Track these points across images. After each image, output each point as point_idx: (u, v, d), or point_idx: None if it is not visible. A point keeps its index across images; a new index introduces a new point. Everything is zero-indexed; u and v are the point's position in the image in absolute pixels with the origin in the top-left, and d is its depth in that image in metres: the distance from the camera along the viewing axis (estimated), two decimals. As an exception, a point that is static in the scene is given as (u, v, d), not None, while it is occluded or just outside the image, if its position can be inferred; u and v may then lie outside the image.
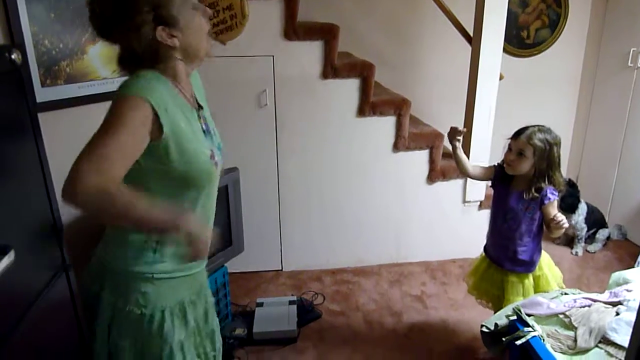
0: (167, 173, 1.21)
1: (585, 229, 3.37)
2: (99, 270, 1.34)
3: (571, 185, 3.29)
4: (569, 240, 3.50)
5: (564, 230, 1.92)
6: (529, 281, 2.09)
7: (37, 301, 1.05)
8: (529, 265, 2.10)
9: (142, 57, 1.19)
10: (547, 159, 1.97)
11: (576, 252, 3.40)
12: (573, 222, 3.33)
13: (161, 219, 1.10)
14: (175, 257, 1.29)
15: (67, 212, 2.26)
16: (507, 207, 2.10)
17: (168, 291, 1.31)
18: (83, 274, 1.39)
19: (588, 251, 3.43)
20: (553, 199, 1.99)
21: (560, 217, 1.88)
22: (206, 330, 1.46)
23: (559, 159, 2.01)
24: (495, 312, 2.26)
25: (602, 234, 3.45)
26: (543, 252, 2.17)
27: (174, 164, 1.19)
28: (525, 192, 2.02)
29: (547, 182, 1.98)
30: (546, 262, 2.17)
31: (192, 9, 1.21)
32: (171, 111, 1.17)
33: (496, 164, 2.20)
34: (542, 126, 2.02)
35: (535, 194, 1.99)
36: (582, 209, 3.33)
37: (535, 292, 2.09)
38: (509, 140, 2.06)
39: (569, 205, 3.27)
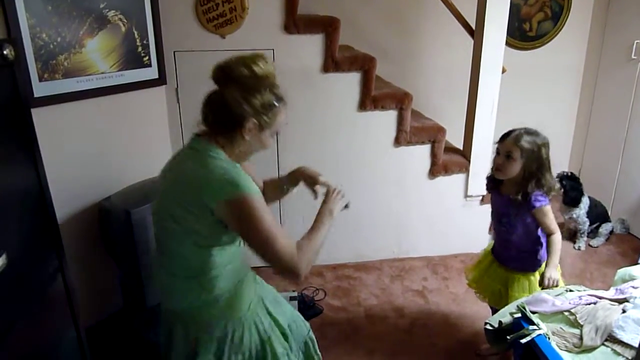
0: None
1: (588, 223, 3.35)
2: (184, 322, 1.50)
3: (573, 179, 3.26)
4: (572, 235, 3.48)
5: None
6: (535, 277, 2.07)
7: (34, 300, 1.03)
8: (534, 265, 2.09)
9: (229, 119, 1.36)
10: (536, 160, 1.93)
11: (579, 247, 3.38)
12: (575, 215, 3.31)
13: (330, 218, 1.55)
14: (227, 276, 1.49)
15: (63, 212, 2.25)
16: (500, 212, 2.10)
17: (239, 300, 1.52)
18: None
19: (591, 245, 3.41)
20: (540, 205, 1.94)
21: (551, 280, 1.85)
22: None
23: (549, 161, 1.97)
24: (491, 307, 2.27)
25: (605, 228, 3.43)
26: None
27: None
28: (512, 196, 1.99)
29: (535, 185, 1.94)
30: None
31: (272, 136, 1.46)
32: None
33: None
34: (529, 128, 1.97)
35: (521, 199, 1.95)
36: (585, 202, 3.30)
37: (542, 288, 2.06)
38: (497, 144, 2.02)
39: (572, 199, 3.24)
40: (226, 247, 1.44)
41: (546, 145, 1.96)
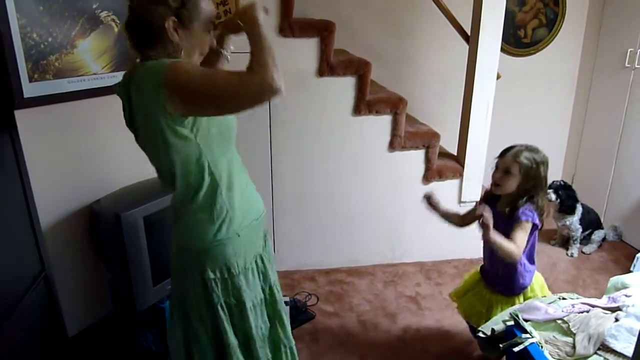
0: (218, 128, 1.36)
1: (581, 230, 3.35)
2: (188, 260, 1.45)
3: (567, 188, 3.28)
4: (565, 242, 3.48)
5: (488, 234, 1.81)
6: (519, 301, 2.03)
7: (18, 306, 1.01)
8: (518, 288, 2.05)
9: (146, 29, 1.29)
10: (533, 178, 1.91)
11: (571, 254, 3.38)
12: (568, 223, 3.31)
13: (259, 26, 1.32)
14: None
15: (54, 214, 2.23)
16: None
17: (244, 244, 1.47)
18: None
19: (583, 252, 3.41)
20: (526, 218, 1.90)
21: (486, 218, 1.77)
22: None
23: (546, 180, 1.96)
24: (470, 326, 2.24)
25: (597, 235, 3.43)
26: (537, 273, 2.11)
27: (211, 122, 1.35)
28: (504, 210, 1.98)
29: (526, 202, 1.92)
30: (539, 284, 2.11)
31: (205, 29, 1.36)
32: None
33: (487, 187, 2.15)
34: (530, 145, 1.96)
35: (509, 212, 1.94)
36: (578, 209, 3.31)
37: None
38: (497, 159, 2.01)
39: (568, 207, 3.26)
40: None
41: (545, 163, 1.95)
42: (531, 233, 1.95)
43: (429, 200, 2.17)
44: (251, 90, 1.20)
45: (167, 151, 1.31)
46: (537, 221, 1.92)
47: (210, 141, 1.35)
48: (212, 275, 1.42)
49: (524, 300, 2.03)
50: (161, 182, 1.47)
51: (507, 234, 1.91)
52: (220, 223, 1.40)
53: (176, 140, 1.29)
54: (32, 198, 1.13)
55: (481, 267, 2.26)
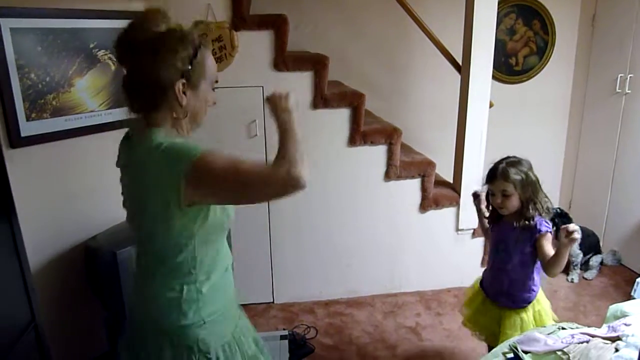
0: (213, 221, 1.28)
1: (581, 255, 3.34)
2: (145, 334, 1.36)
3: (563, 215, 3.28)
4: (565, 267, 3.46)
5: (565, 259, 1.87)
6: (527, 315, 2.05)
7: (7, 358, 0.99)
8: (523, 301, 2.07)
9: (153, 93, 1.22)
10: (529, 185, 1.98)
11: (572, 279, 3.36)
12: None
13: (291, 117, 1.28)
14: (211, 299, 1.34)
15: (49, 251, 2.22)
16: (499, 239, 2.11)
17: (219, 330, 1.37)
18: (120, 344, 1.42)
19: (585, 278, 3.40)
20: (546, 230, 1.97)
21: (572, 227, 1.80)
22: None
23: (538, 181, 2.02)
24: (489, 346, 2.23)
25: (595, 260, 3.42)
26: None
27: (217, 212, 1.28)
28: (515, 222, 2.02)
29: (533, 207, 1.98)
30: (543, 297, 2.15)
31: (211, 86, 1.32)
32: None
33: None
34: (510, 159, 2.02)
35: (527, 223, 1.98)
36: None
37: (535, 326, 2.04)
38: (487, 185, 2.07)
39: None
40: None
41: (531, 167, 2.03)
42: None
43: (476, 198, 2.29)
44: (276, 185, 1.18)
45: (159, 219, 1.24)
46: (551, 230, 1.99)
47: (206, 233, 1.29)
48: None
49: (533, 312, 2.06)
50: (130, 225, 1.40)
51: (517, 245, 2.00)
52: (192, 307, 1.31)
53: (177, 218, 1.23)
54: (22, 245, 1.12)
55: (481, 282, 2.26)
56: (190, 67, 1.22)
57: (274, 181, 1.17)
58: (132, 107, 1.28)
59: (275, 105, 1.29)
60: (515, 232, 2.01)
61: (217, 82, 1.36)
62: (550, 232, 1.98)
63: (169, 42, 1.20)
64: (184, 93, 1.24)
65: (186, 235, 1.25)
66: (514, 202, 1.99)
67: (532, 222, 1.98)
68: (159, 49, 1.19)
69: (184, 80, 1.22)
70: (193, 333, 1.30)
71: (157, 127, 1.26)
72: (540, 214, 1.99)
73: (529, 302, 2.07)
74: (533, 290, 2.07)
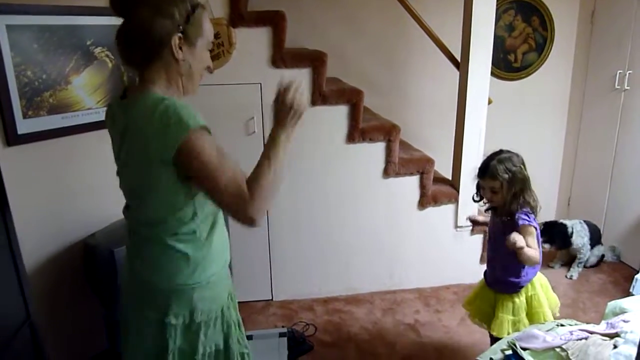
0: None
1: (589, 253, 3.38)
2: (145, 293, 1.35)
3: (552, 226, 3.34)
4: (568, 261, 3.48)
5: (521, 252, 1.92)
6: (520, 300, 2.12)
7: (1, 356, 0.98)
8: (514, 286, 2.13)
9: (150, 44, 1.21)
10: (518, 182, 2.01)
11: (571, 276, 3.36)
12: (580, 245, 3.33)
13: (288, 142, 1.39)
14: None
15: (48, 249, 2.22)
16: (491, 230, 2.23)
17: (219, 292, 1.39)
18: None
19: (584, 266, 3.44)
20: (523, 222, 2.00)
21: (516, 239, 1.91)
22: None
23: (528, 178, 2.05)
24: (491, 337, 2.25)
25: (597, 249, 3.46)
26: (540, 274, 2.18)
27: None
28: (498, 216, 2.13)
29: (518, 204, 2.02)
30: (542, 284, 2.19)
31: (207, 48, 1.32)
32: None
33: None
34: (501, 155, 2.05)
35: (506, 218, 2.06)
36: (584, 230, 3.34)
37: (527, 311, 2.13)
38: (478, 179, 2.13)
39: (562, 243, 3.33)
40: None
41: (523, 163, 2.06)
42: None
43: (474, 223, 2.48)
44: (233, 211, 1.21)
45: (158, 187, 1.24)
46: (534, 223, 2.02)
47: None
48: (173, 321, 1.31)
49: (526, 297, 2.12)
50: (127, 198, 1.38)
51: (503, 235, 2.02)
52: (195, 267, 1.31)
53: (173, 186, 1.24)
54: (16, 242, 1.11)
55: (485, 272, 2.35)
56: (187, 23, 1.23)
57: (234, 207, 1.20)
58: (125, 59, 1.28)
59: (286, 97, 1.33)
60: (502, 224, 2.10)
61: (211, 70, 1.37)
62: (532, 224, 2.01)
63: None
64: (180, 48, 1.23)
65: (185, 192, 1.26)
66: (502, 196, 2.06)
67: (514, 216, 2.03)
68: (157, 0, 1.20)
69: (180, 35, 1.22)
70: (197, 293, 1.32)
71: (152, 84, 1.25)
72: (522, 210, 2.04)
73: (521, 287, 2.13)
74: (524, 277, 2.11)
